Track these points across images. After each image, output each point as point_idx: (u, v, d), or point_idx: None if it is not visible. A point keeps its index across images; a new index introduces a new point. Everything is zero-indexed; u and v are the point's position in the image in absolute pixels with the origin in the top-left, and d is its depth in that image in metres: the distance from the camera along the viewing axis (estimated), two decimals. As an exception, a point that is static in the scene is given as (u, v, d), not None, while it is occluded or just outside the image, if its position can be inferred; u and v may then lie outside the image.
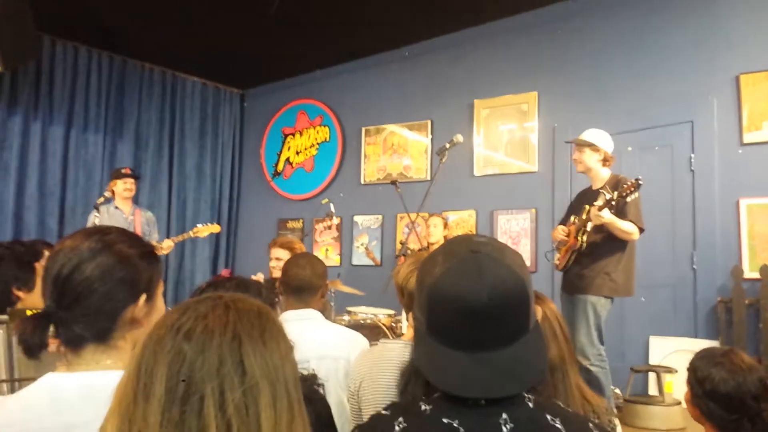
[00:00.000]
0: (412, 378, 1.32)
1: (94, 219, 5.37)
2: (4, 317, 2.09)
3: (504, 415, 1.05)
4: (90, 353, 1.25)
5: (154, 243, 5.57)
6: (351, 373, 2.29)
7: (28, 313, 2.11)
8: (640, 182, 3.64)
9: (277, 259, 4.10)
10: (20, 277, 2.46)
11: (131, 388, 0.83)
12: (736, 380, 1.83)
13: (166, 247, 5.56)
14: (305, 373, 1.83)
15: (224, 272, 2.15)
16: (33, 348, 1.23)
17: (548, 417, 1.07)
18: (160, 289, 1.39)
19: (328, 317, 3.97)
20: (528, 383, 1.09)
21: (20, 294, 2.42)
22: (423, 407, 1.11)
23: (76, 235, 1.30)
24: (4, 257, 2.41)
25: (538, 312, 1.17)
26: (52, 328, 1.27)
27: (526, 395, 1.09)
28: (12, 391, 1.86)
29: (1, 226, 6.20)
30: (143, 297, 1.30)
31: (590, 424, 1.11)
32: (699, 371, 1.90)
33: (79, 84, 6.89)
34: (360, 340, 2.59)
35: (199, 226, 5.91)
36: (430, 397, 1.13)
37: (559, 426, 1.06)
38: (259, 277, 4.58)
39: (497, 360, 1.06)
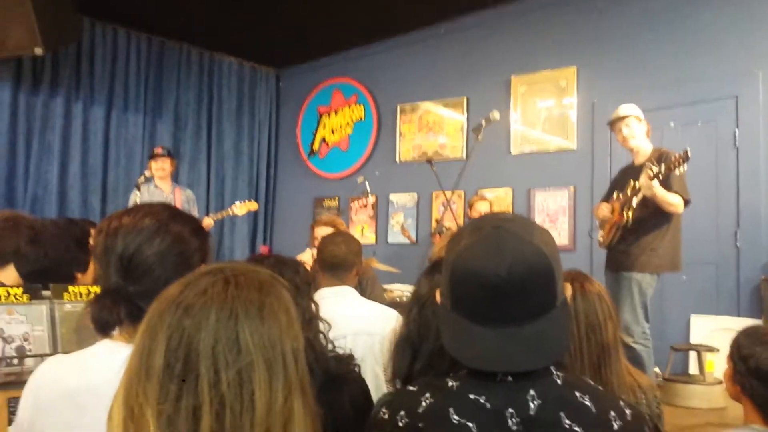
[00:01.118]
0: (418, 362, 1.32)
1: (136, 198, 5.49)
2: (47, 293, 2.14)
3: (531, 392, 1.05)
4: None
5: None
6: (385, 348, 2.30)
7: (71, 289, 2.16)
8: (689, 155, 3.55)
9: (322, 237, 4.15)
10: (79, 259, 2.51)
11: (135, 363, 0.85)
12: None
13: (205, 225, 5.60)
14: (341, 352, 1.84)
15: (263, 249, 2.18)
16: (108, 324, 1.28)
17: (577, 394, 1.06)
18: (211, 262, 1.44)
19: (375, 292, 4.02)
20: (552, 358, 1.08)
21: (78, 276, 2.46)
22: (450, 383, 1.11)
23: (132, 213, 1.36)
24: (67, 240, 2.45)
25: (568, 290, 1.16)
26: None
27: (554, 372, 1.08)
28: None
29: (46, 205, 6.36)
30: (202, 266, 1.34)
31: (621, 402, 1.10)
32: (744, 348, 1.87)
33: (118, 65, 6.99)
34: (395, 317, 2.60)
35: (238, 203, 5.96)
36: (457, 373, 1.13)
37: (588, 403, 1.05)
38: (314, 252, 4.61)
39: (521, 335, 1.05)
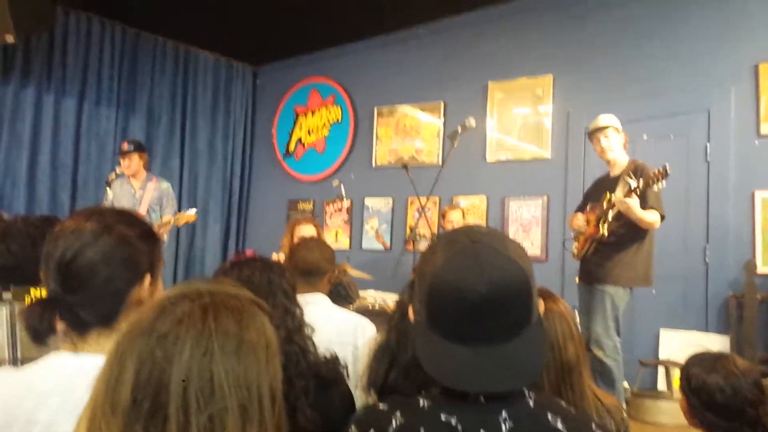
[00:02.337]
0: (394, 370, 1.30)
1: (108, 196, 5.37)
2: (8, 295, 2.07)
3: (504, 413, 1.04)
4: (94, 337, 1.25)
5: (162, 216, 5.50)
6: (362, 358, 2.28)
7: (33, 292, 2.10)
8: (668, 171, 3.56)
9: (302, 237, 4.15)
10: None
11: (101, 392, 0.80)
12: (732, 387, 1.78)
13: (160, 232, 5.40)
14: (328, 356, 1.82)
15: (249, 252, 2.16)
16: (41, 334, 1.23)
17: (549, 415, 1.05)
18: (161, 269, 1.38)
19: (352, 296, 4.01)
20: (529, 378, 1.07)
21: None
22: (422, 402, 1.09)
23: (75, 217, 1.29)
24: (35, 237, 2.37)
25: (541, 307, 1.16)
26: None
27: (527, 393, 1.07)
28: (15, 370, 1.87)
29: (14, 199, 6.21)
30: (148, 277, 1.30)
31: (593, 425, 1.09)
32: (693, 380, 1.86)
33: (92, 56, 6.84)
34: (368, 326, 2.59)
35: (178, 213, 5.55)
36: (430, 391, 1.11)
37: (560, 426, 1.05)
38: (280, 257, 4.58)
39: (498, 354, 1.04)
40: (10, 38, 5.26)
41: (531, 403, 1.06)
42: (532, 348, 1.07)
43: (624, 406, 4.04)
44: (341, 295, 4.10)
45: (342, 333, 2.44)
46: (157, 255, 1.35)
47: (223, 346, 0.79)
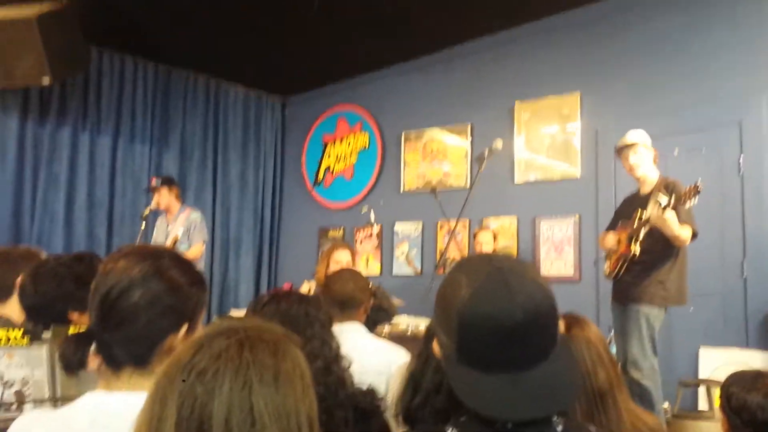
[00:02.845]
0: (418, 396, 1.30)
1: (142, 228, 5.48)
2: (48, 335, 2.11)
3: None
4: (127, 375, 1.26)
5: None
6: (392, 387, 2.28)
7: (71, 331, 2.14)
8: (699, 188, 3.51)
9: (339, 262, 4.23)
10: (77, 298, 2.39)
11: (144, 429, 0.83)
12: None
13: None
14: (365, 387, 1.84)
15: (286, 285, 2.20)
16: (72, 365, 1.26)
17: None
18: (202, 318, 1.38)
19: (390, 311, 4.04)
20: (565, 402, 1.08)
21: (74, 316, 2.38)
22: (449, 431, 1.09)
23: (129, 256, 1.30)
24: (63, 277, 2.37)
25: (561, 327, 1.17)
26: (94, 346, 1.29)
27: (555, 419, 1.07)
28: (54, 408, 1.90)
29: (52, 237, 6.36)
30: (185, 326, 1.30)
31: None
32: (733, 399, 1.82)
33: (125, 95, 7.03)
34: (403, 353, 2.59)
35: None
36: (457, 420, 1.11)
37: None
38: (311, 285, 4.63)
39: (533, 378, 1.04)
40: (46, 80, 5.42)
41: (559, 428, 1.06)
42: (564, 369, 1.08)
43: (665, 427, 3.95)
44: (382, 309, 4.12)
45: (377, 363, 2.44)
46: (201, 305, 1.36)
47: (261, 378, 0.82)
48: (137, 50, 7.00)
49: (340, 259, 4.32)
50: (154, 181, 5.79)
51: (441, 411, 1.18)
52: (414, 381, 1.40)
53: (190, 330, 1.31)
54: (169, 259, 1.32)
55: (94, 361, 1.29)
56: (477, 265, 1.13)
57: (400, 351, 2.62)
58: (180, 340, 1.28)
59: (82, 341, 1.26)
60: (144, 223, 5.54)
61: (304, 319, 1.79)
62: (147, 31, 6.45)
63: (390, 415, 2.35)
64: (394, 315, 4.27)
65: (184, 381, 0.81)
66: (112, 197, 6.87)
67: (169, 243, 5.41)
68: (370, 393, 1.83)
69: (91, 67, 6.57)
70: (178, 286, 1.29)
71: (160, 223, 5.69)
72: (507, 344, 1.03)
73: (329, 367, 1.74)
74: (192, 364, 0.83)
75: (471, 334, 1.06)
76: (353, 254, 4.45)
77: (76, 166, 6.63)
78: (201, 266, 5.64)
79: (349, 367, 1.85)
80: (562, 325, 1.18)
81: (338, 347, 1.86)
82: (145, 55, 7.13)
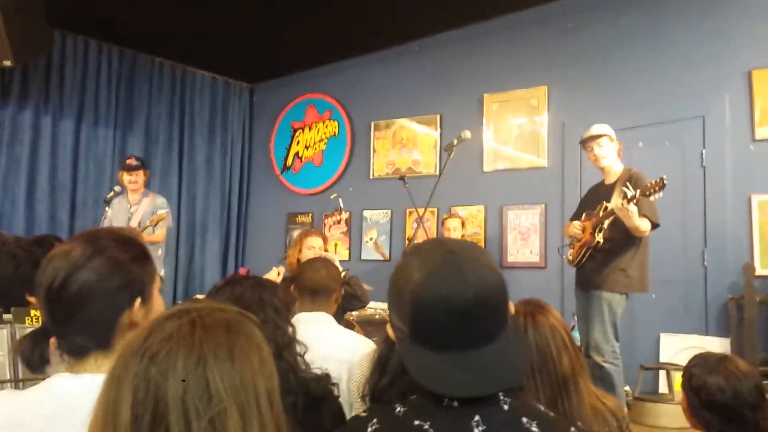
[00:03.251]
0: (384, 377, 1.32)
1: (106, 213, 5.40)
2: (9, 317, 2.07)
3: (476, 417, 1.05)
4: (93, 360, 1.25)
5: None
6: (355, 374, 2.30)
7: (33, 313, 2.10)
8: (665, 183, 3.59)
9: (311, 247, 4.26)
10: (32, 281, 2.34)
11: (101, 416, 0.82)
12: (732, 389, 1.79)
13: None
14: (319, 372, 1.84)
15: (242, 270, 2.19)
16: (34, 364, 1.25)
17: (524, 420, 1.07)
18: (156, 288, 1.37)
19: (362, 298, 4.09)
20: (511, 380, 1.10)
21: (33, 299, 2.35)
22: (397, 409, 1.12)
23: (67, 242, 1.29)
24: (22, 259, 2.33)
25: (511, 309, 1.20)
26: (53, 339, 1.27)
27: (502, 397, 1.09)
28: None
29: (13, 220, 6.22)
30: (138, 300, 1.29)
31: (572, 428, 1.11)
32: (694, 380, 1.87)
33: (89, 78, 6.89)
34: (367, 343, 2.61)
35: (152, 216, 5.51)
36: (408, 398, 1.14)
37: (534, 429, 1.06)
38: (280, 270, 4.62)
39: (483, 357, 1.07)
40: (7, 62, 5.29)
41: (506, 407, 1.08)
42: (513, 349, 1.11)
43: (626, 410, 4.04)
44: (355, 297, 4.15)
45: (339, 351, 2.45)
46: (149, 277, 1.34)
47: (215, 354, 0.81)
48: (102, 34, 6.86)
49: (313, 244, 4.36)
50: (134, 161, 5.68)
51: (406, 392, 1.21)
52: (381, 364, 1.41)
53: (144, 303, 1.30)
54: (106, 238, 1.30)
55: (55, 354, 1.27)
56: (429, 249, 1.15)
57: (364, 340, 2.65)
58: (137, 314, 1.28)
59: (38, 338, 1.25)
60: (107, 207, 5.45)
61: (257, 304, 1.80)
62: (112, 16, 6.32)
63: (355, 397, 2.37)
64: (367, 303, 4.30)
65: (138, 364, 0.80)
66: (74, 181, 6.73)
67: (133, 224, 5.36)
68: (324, 378, 1.84)
69: (55, 50, 6.43)
70: (119, 263, 1.27)
71: (120, 204, 5.57)
72: (459, 324, 1.06)
73: (280, 353, 1.74)
74: (145, 347, 0.82)
75: (424, 315, 1.08)
76: (325, 240, 4.49)
77: (38, 149, 6.48)
78: (159, 253, 5.56)
79: (304, 353, 1.85)
80: (512, 308, 1.20)
81: (293, 333, 1.86)
82: (110, 40, 7.00)
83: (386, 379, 1.34)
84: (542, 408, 1.14)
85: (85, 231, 1.37)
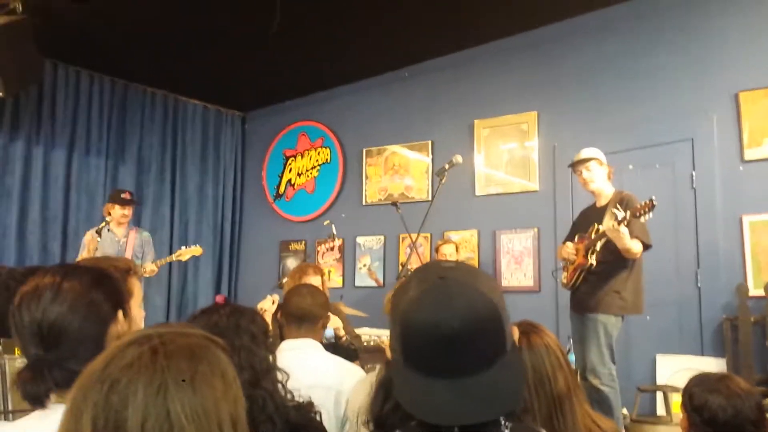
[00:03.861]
0: (388, 402, 1.31)
1: (94, 244, 5.39)
2: (-1, 349, 2.05)
3: None
4: None
5: (143, 265, 5.57)
6: (351, 401, 2.28)
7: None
8: (654, 203, 3.62)
9: (289, 289, 4.09)
10: None
11: None
12: (734, 407, 1.80)
13: (149, 270, 5.54)
14: (301, 401, 1.82)
15: (218, 298, 2.16)
16: (39, 397, 1.24)
17: None
18: (135, 300, 1.45)
19: (357, 349, 3.95)
20: (508, 407, 1.07)
21: None
22: None
23: (29, 283, 1.33)
24: (14, 290, 2.32)
25: (515, 334, 1.17)
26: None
27: (503, 423, 1.07)
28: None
29: (4, 251, 6.19)
30: (120, 313, 1.34)
31: None
32: (695, 398, 1.87)
33: (80, 108, 6.91)
34: (355, 370, 2.60)
35: (183, 248, 5.89)
36: (407, 424, 1.12)
37: None
38: (275, 298, 4.56)
39: (476, 385, 1.05)
40: (-1, 94, 5.31)
41: None
42: (509, 375, 1.08)
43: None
44: (349, 351, 4.00)
45: (327, 379, 2.43)
46: (119, 291, 1.39)
47: (176, 380, 0.80)
48: (93, 64, 6.90)
49: (311, 283, 4.16)
50: (129, 196, 5.82)
51: (411, 415, 1.19)
52: (384, 388, 1.40)
53: (126, 315, 1.36)
54: (61, 271, 1.36)
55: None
56: (428, 271, 1.15)
57: (352, 368, 2.64)
58: (122, 325, 1.33)
59: (36, 369, 1.25)
60: (98, 236, 5.43)
61: (234, 331, 1.79)
62: (103, 46, 6.36)
63: (360, 422, 2.33)
64: (358, 355, 4.16)
65: (97, 393, 0.79)
66: (66, 211, 6.72)
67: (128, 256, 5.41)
68: (306, 407, 1.82)
69: (46, 79, 6.45)
70: (90, 284, 1.33)
71: (107, 236, 5.58)
72: (444, 351, 1.04)
73: (257, 380, 1.73)
74: (105, 375, 0.81)
75: (412, 339, 1.08)
76: (323, 278, 4.27)
77: (29, 180, 6.48)
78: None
79: (286, 381, 1.83)
80: (516, 333, 1.18)
81: (273, 360, 1.85)
82: (102, 69, 7.03)
83: (390, 403, 1.33)
84: (543, 431, 1.13)
85: (35, 275, 1.42)
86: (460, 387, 1.04)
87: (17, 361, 1.77)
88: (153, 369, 0.80)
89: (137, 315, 1.44)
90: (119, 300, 1.36)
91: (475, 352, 1.05)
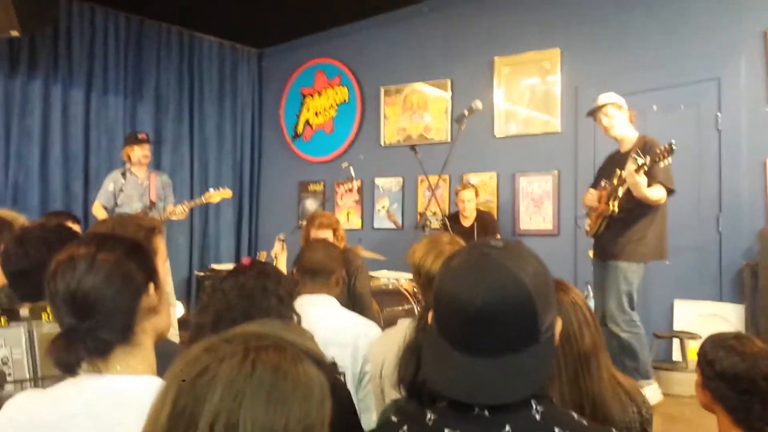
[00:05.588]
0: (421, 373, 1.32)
1: (117, 184, 5.43)
2: (25, 312, 2.09)
3: (507, 427, 1.03)
4: (118, 357, 1.30)
5: (165, 207, 5.60)
6: (371, 356, 2.32)
7: (49, 310, 2.12)
8: (674, 147, 3.57)
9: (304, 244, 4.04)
10: None
11: (151, 415, 0.84)
12: (747, 363, 1.82)
13: (178, 212, 5.52)
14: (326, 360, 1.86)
15: (245, 260, 2.17)
16: (69, 366, 1.27)
17: (556, 429, 1.04)
18: (160, 258, 1.50)
19: (360, 282, 3.91)
20: (529, 390, 1.06)
21: None
22: (428, 416, 1.10)
23: (63, 253, 1.34)
24: (52, 242, 2.35)
25: (558, 326, 1.15)
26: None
27: (534, 405, 1.06)
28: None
29: (27, 192, 6.26)
30: (152, 285, 1.36)
31: None
32: (708, 354, 1.91)
33: (97, 46, 6.84)
34: (372, 327, 2.61)
35: (211, 191, 5.83)
36: (438, 404, 1.12)
37: None
38: (280, 237, 4.59)
39: (499, 366, 1.04)
40: (15, 33, 5.25)
41: (537, 417, 1.05)
42: (535, 363, 1.06)
43: (653, 378, 4.06)
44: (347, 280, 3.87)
45: (342, 336, 2.45)
46: (152, 263, 1.41)
47: (254, 392, 0.80)
48: (107, 0, 6.78)
49: (323, 237, 3.88)
50: (146, 136, 5.75)
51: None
52: (416, 356, 1.41)
53: (157, 287, 1.38)
54: (97, 242, 1.37)
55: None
56: (477, 246, 1.12)
57: (368, 324, 2.65)
58: (153, 298, 1.36)
59: (70, 338, 1.27)
60: (123, 178, 5.46)
61: (261, 293, 1.82)
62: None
63: (388, 383, 2.38)
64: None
65: (183, 380, 0.82)
66: (87, 151, 6.74)
67: (152, 198, 5.47)
68: (329, 367, 1.86)
69: (61, 18, 6.34)
70: (124, 256, 1.34)
71: (130, 178, 5.58)
72: (466, 328, 1.04)
73: None
74: (195, 363, 0.83)
75: (441, 307, 1.09)
76: (335, 232, 3.98)
77: (49, 120, 6.47)
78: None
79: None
80: (559, 324, 1.16)
81: (299, 322, 1.88)
82: (116, 6, 6.91)
83: (422, 375, 1.34)
84: (576, 416, 1.11)
85: (81, 236, 1.43)
86: (480, 365, 1.04)
87: (44, 327, 1.81)
88: (237, 371, 0.81)
89: (162, 272, 1.45)
90: (151, 272, 1.38)
91: (498, 335, 1.04)
